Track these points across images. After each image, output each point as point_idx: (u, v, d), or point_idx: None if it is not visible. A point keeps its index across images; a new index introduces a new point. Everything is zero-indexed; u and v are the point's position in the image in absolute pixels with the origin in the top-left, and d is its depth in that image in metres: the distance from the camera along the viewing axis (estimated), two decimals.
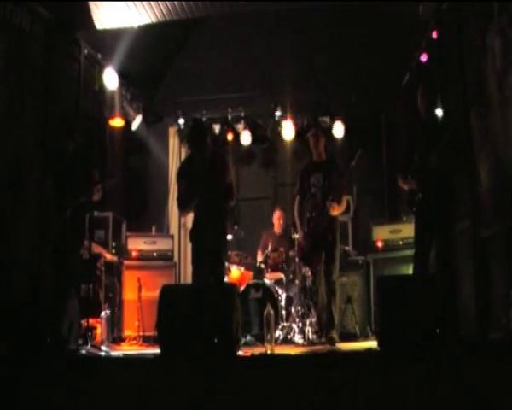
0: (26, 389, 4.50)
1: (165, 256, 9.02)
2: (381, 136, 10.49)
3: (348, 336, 7.86)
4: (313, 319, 7.44)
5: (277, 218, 9.24)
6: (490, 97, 5.86)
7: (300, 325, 7.63)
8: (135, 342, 8.12)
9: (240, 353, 5.18)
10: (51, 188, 6.47)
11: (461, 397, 3.92)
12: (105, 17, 7.93)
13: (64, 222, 6.36)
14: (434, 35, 7.55)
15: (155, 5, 7.80)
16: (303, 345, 7.22)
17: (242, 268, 8.75)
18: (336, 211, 7.00)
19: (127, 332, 8.38)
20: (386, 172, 10.30)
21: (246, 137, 10.42)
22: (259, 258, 8.90)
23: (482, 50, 6.04)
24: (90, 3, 7.67)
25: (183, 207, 6.70)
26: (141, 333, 8.11)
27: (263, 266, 8.73)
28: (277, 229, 9.24)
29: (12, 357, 4.85)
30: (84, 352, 5.65)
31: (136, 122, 10.00)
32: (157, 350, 5.09)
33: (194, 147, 6.61)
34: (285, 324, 7.95)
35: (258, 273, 8.75)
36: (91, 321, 6.60)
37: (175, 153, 10.83)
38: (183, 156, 10.41)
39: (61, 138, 6.62)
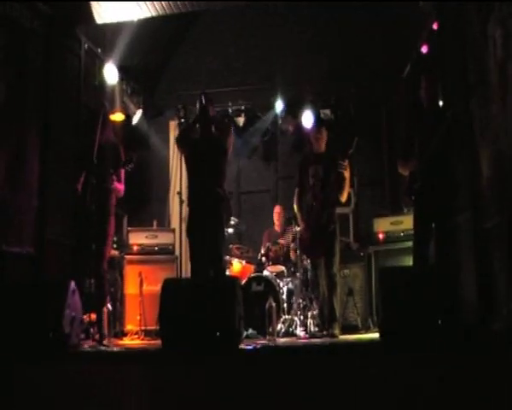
0: (26, 383, 4.50)
1: (167, 250, 9.00)
2: (382, 127, 10.48)
3: (350, 329, 7.86)
4: (315, 312, 7.44)
5: (277, 214, 9.24)
6: (491, 87, 5.84)
7: (302, 317, 7.63)
8: (137, 336, 8.11)
9: (242, 346, 5.18)
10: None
11: (463, 387, 3.92)
12: (105, 11, 7.92)
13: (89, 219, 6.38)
14: (435, 26, 7.53)
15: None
16: (304, 338, 7.22)
17: (244, 261, 8.76)
18: (344, 194, 6.99)
19: (129, 327, 8.37)
20: (386, 164, 10.29)
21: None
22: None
23: (483, 41, 6.01)
24: None
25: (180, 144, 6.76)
26: (143, 327, 8.10)
27: (264, 259, 8.73)
28: (278, 226, 9.24)
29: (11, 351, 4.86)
30: (85, 347, 5.65)
31: (137, 116, 10.01)
32: (159, 344, 5.09)
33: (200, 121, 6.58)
34: (287, 316, 7.96)
35: (260, 266, 8.75)
36: (93, 316, 6.59)
37: (175, 147, 10.81)
38: None
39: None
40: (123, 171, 6.79)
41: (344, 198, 7.05)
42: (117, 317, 8.03)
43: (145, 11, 8.01)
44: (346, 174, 6.91)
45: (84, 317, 6.26)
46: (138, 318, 8.14)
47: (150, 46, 9.89)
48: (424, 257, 5.94)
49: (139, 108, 9.99)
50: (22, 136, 6.91)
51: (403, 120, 9.14)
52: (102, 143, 6.47)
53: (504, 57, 5.53)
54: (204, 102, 6.50)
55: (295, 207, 7.38)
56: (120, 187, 6.77)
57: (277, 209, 9.29)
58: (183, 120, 10.44)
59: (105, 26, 8.25)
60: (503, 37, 5.55)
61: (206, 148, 6.46)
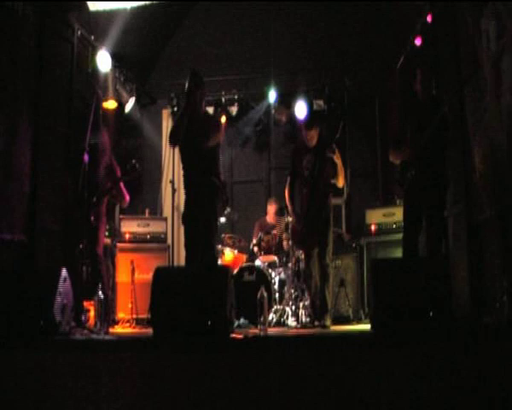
0: (16, 370, 4.50)
1: (159, 239, 9.01)
2: (375, 119, 10.48)
3: (341, 320, 7.89)
4: (306, 302, 7.44)
5: (272, 208, 9.24)
6: (484, 81, 5.85)
7: (293, 307, 7.65)
8: (128, 324, 8.11)
9: (233, 335, 5.18)
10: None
11: (454, 380, 3.94)
12: None
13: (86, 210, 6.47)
14: (429, 19, 7.54)
15: None
16: (296, 328, 7.23)
17: (236, 251, 8.77)
18: (340, 179, 7.00)
19: (120, 315, 8.37)
20: (379, 155, 10.30)
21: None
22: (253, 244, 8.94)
23: (477, 34, 6.02)
24: None
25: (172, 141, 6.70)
26: (134, 316, 8.11)
27: (256, 249, 8.75)
28: (270, 218, 9.24)
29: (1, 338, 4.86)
30: (76, 335, 5.65)
31: (130, 104, 9.98)
32: (150, 333, 5.09)
33: (189, 99, 6.50)
34: (278, 307, 7.97)
35: (252, 256, 8.76)
36: (85, 304, 6.60)
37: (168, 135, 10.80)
38: None
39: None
40: (121, 183, 7.13)
41: (341, 183, 7.06)
42: (109, 305, 8.03)
43: None
44: (337, 160, 6.92)
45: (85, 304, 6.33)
46: (130, 306, 8.15)
47: (144, 34, 9.85)
48: (413, 248, 5.96)
49: (132, 95, 9.96)
50: (14, 122, 6.88)
51: (395, 109, 9.14)
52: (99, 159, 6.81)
53: (498, 51, 5.54)
54: (192, 85, 6.41)
55: (287, 196, 7.37)
56: (126, 198, 7.27)
57: (272, 203, 9.27)
58: (175, 109, 10.44)
59: (98, 13, 8.22)
60: (497, 31, 5.56)
61: (199, 141, 6.42)
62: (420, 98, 6.10)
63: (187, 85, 6.30)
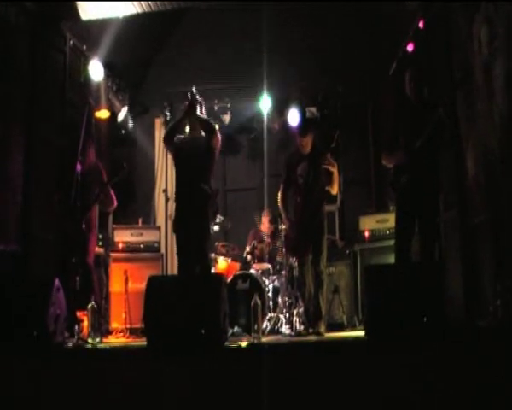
0: (10, 380, 4.47)
1: (152, 248, 8.97)
2: (368, 126, 10.50)
3: (335, 326, 7.87)
4: (300, 310, 7.42)
5: (266, 219, 9.20)
6: (477, 86, 5.87)
7: (287, 315, 7.63)
8: (122, 334, 8.08)
9: (227, 344, 5.17)
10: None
11: (448, 385, 3.93)
12: (90, 8, 7.89)
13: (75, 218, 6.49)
14: (421, 24, 7.56)
15: None
16: (290, 336, 7.21)
17: (229, 259, 8.74)
18: (335, 187, 7.01)
19: (114, 325, 8.34)
20: (372, 162, 10.31)
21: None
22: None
23: (469, 39, 6.04)
24: None
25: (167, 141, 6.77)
26: (128, 325, 8.07)
27: (250, 257, 8.73)
28: (265, 229, 9.21)
29: None
30: (70, 344, 5.62)
31: (122, 113, 9.96)
32: (144, 342, 5.07)
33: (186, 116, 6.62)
34: (272, 314, 7.96)
35: (245, 264, 8.74)
36: (78, 314, 6.58)
37: (161, 144, 10.76)
38: None
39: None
40: (110, 189, 7.21)
41: (335, 190, 7.08)
42: (102, 315, 8.00)
43: (131, 8, 7.98)
44: (332, 168, 6.92)
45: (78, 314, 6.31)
46: (123, 316, 8.11)
47: (136, 43, 9.83)
48: (406, 253, 5.96)
49: (124, 105, 9.95)
50: (6, 132, 6.87)
51: (388, 114, 9.16)
52: (85, 167, 6.70)
53: (490, 56, 5.56)
54: (193, 100, 6.53)
55: (280, 204, 7.35)
56: (114, 202, 7.36)
57: (266, 215, 9.23)
58: (168, 118, 10.44)
59: (90, 22, 8.21)
60: (489, 35, 5.58)
61: (193, 147, 6.49)
62: (412, 102, 6.11)
63: (187, 101, 6.46)
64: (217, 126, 9.89)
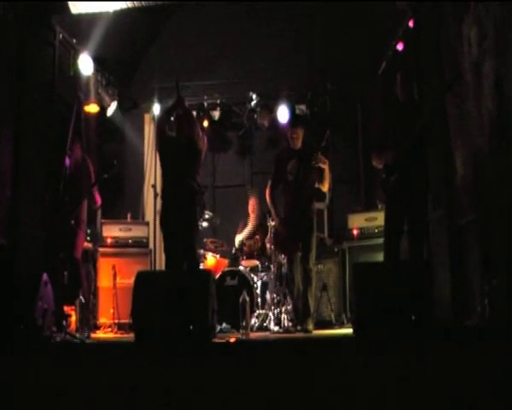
0: None
1: (141, 243, 8.96)
2: (357, 124, 10.51)
3: (324, 324, 7.89)
4: (289, 307, 7.44)
5: (252, 206, 9.21)
6: (466, 86, 5.89)
7: (276, 312, 7.64)
8: (110, 329, 8.08)
9: (215, 340, 5.17)
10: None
11: (435, 384, 3.95)
12: (80, 2, 7.85)
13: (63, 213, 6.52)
14: (411, 24, 7.58)
15: None
16: (278, 332, 7.23)
17: (218, 256, 8.75)
18: (325, 184, 7.05)
19: (102, 320, 8.33)
20: (362, 160, 10.33)
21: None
22: (238, 240, 8.93)
23: (458, 39, 6.06)
24: None
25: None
26: (116, 320, 8.07)
27: (238, 253, 8.74)
28: (253, 219, 9.22)
29: None
30: (57, 339, 5.61)
31: (112, 108, 9.92)
32: (132, 338, 5.07)
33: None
34: (260, 311, 7.98)
35: (234, 261, 8.75)
36: (66, 308, 6.57)
37: (150, 140, 10.77)
38: None
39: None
40: (95, 188, 7.35)
41: (326, 188, 7.12)
42: (90, 310, 7.98)
43: (121, 2, 7.96)
44: (323, 165, 6.94)
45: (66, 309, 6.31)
46: (111, 311, 8.10)
47: (126, 38, 9.81)
48: (395, 251, 5.98)
49: (114, 99, 9.92)
50: None
51: (377, 114, 9.17)
52: (71, 165, 6.76)
53: (479, 56, 5.58)
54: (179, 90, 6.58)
55: (268, 200, 7.35)
56: (98, 199, 7.54)
57: (252, 201, 9.24)
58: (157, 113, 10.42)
59: (80, 16, 8.18)
60: (478, 36, 5.60)
61: (180, 145, 6.49)
62: (401, 102, 6.14)
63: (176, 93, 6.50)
64: (206, 123, 10.05)
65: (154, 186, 9.59)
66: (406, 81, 6.14)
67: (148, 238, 9.10)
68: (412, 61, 7.57)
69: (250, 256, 8.67)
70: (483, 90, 5.48)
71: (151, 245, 9.10)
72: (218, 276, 7.95)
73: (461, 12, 5.98)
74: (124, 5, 8.01)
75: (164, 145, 6.69)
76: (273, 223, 7.50)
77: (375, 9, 8.82)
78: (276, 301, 7.75)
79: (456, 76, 5.85)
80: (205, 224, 8.31)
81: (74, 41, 8.67)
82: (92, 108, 9.17)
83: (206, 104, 10.54)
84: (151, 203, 10.14)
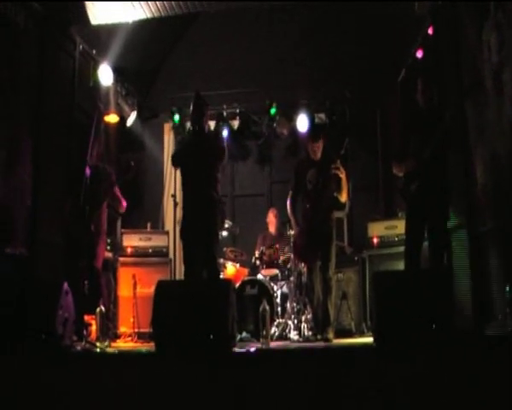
0: (20, 383, 4.48)
1: (161, 253, 8.99)
2: (377, 132, 10.48)
3: (344, 333, 7.85)
4: (309, 316, 7.43)
5: (273, 217, 9.23)
6: (486, 92, 5.85)
7: (296, 321, 7.63)
8: (130, 338, 8.10)
9: (235, 349, 5.16)
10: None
11: (456, 393, 3.91)
12: (100, 12, 7.90)
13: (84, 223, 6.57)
14: (430, 31, 7.55)
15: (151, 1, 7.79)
16: (298, 341, 7.21)
17: (238, 265, 8.74)
18: (343, 194, 7.00)
19: (122, 329, 8.36)
20: (381, 168, 10.29)
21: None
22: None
23: (478, 46, 6.02)
24: None
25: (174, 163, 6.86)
26: (136, 330, 8.08)
27: (258, 262, 8.72)
28: (272, 229, 9.23)
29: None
30: (78, 348, 5.63)
31: (131, 118, 9.98)
32: (152, 347, 5.07)
33: (194, 121, 6.62)
34: (280, 320, 7.95)
35: (254, 270, 8.74)
36: (86, 318, 6.59)
37: (170, 149, 10.78)
38: None
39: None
40: (117, 190, 7.37)
41: (344, 198, 7.06)
42: (110, 319, 8.01)
43: (140, 13, 8.00)
44: (341, 175, 6.91)
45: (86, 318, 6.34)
46: (132, 320, 8.12)
47: (145, 48, 9.85)
48: (416, 260, 5.95)
49: (134, 109, 9.97)
50: (15, 136, 6.87)
51: (398, 122, 9.14)
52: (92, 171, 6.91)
53: (499, 63, 5.54)
54: (197, 101, 6.54)
55: (289, 210, 7.35)
56: (123, 202, 7.53)
57: (273, 212, 9.27)
58: (177, 123, 10.44)
59: (100, 26, 8.23)
60: (498, 42, 5.56)
61: (200, 155, 6.47)
62: (422, 109, 6.12)
63: (192, 110, 6.44)
64: (225, 133, 10.05)
65: (173, 196, 9.61)
66: (427, 88, 6.12)
67: (168, 248, 9.12)
68: (432, 68, 7.53)
69: (270, 265, 8.64)
70: (503, 96, 5.44)
71: (171, 254, 9.12)
72: (237, 285, 7.94)
73: (480, 19, 5.95)
74: (143, 15, 8.04)
75: (182, 158, 6.66)
76: (293, 232, 7.48)
77: (394, 17, 8.80)
78: (295, 310, 7.73)
79: (475, 82, 5.82)
80: (224, 233, 8.32)
81: (94, 52, 8.73)
82: (112, 118, 9.22)
83: (225, 113, 10.55)
84: (171, 213, 10.16)
